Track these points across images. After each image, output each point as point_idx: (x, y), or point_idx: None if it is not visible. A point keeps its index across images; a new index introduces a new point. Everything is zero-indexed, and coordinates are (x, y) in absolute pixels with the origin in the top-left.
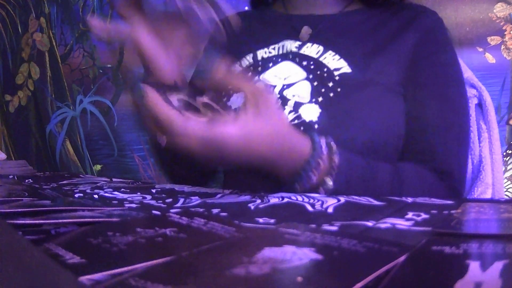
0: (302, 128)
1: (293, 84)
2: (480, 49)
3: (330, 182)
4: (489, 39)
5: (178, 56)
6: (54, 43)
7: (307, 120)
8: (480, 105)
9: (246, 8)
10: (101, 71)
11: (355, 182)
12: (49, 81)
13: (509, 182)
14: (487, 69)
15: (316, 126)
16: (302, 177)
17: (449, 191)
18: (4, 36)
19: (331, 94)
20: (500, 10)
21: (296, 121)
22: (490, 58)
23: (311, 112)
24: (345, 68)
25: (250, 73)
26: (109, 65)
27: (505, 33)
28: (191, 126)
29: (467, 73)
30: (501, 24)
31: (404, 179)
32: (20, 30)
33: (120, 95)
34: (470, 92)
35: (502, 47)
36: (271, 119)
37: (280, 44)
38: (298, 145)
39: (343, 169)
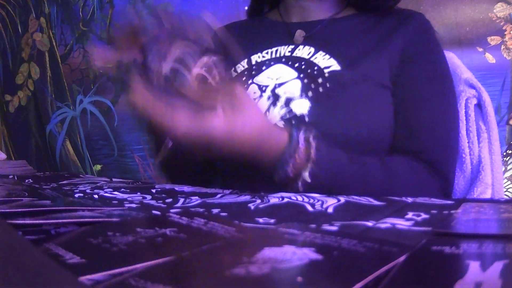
0: (293, 121)
1: (284, 83)
2: (480, 49)
3: (307, 179)
4: (489, 39)
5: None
6: (54, 43)
7: (298, 114)
8: (480, 106)
9: (246, 8)
10: (101, 71)
11: (340, 177)
12: (49, 81)
13: (509, 182)
14: (487, 69)
15: (306, 119)
16: (278, 170)
17: (440, 182)
18: (4, 36)
19: (321, 89)
20: (500, 10)
21: (287, 116)
22: (490, 58)
23: (301, 106)
24: (335, 66)
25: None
26: (109, 65)
27: (505, 33)
28: (180, 121)
29: (467, 74)
30: (501, 24)
31: (394, 171)
32: (20, 30)
33: (120, 95)
34: (470, 92)
35: (502, 47)
36: (246, 116)
37: (274, 49)
38: (275, 138)
39: (324, 164)
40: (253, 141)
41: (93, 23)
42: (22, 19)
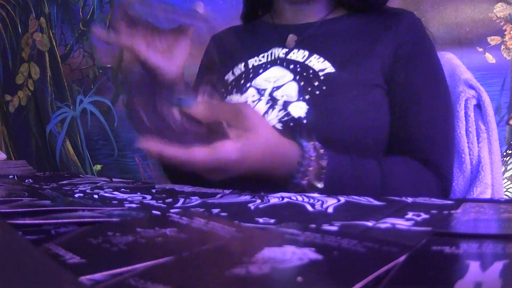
0: (291, 124)
1: (282, 85)
2: (480, 49)
3: (319, 185)
4: (489, 39)
5: (178, 61)
6: (54, 43)
7: (296, 117)
8: (479, 106)
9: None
10: (101, 71)
11: (344, 182)
12: (49, 81)
13: (509, 182)
14: (487, 69)
15: (304, 121)
16: (293, 183)
17: (438, 180)
18: (4, 36)
19: (317, 92)
20: (500, 10)
21: (285, 118)
22: (490, 58)
23: (299, 109)
24: (329, 68)
25: (226, 99)
26: (109, 65)
27: (505, 33)
28: (195, 157)
29: (466, 74)
30: (501, 24)
31: (392, 172)
32: (20, 30)
33: (120, 95)
34: (469, 93)
35: (502, 47)
36: (259, 135)
37: (269, 52)
38: (288, 152)
39: (332, 172)
40: (267, 160)
41: (93, 23)
42: (22, 19)
